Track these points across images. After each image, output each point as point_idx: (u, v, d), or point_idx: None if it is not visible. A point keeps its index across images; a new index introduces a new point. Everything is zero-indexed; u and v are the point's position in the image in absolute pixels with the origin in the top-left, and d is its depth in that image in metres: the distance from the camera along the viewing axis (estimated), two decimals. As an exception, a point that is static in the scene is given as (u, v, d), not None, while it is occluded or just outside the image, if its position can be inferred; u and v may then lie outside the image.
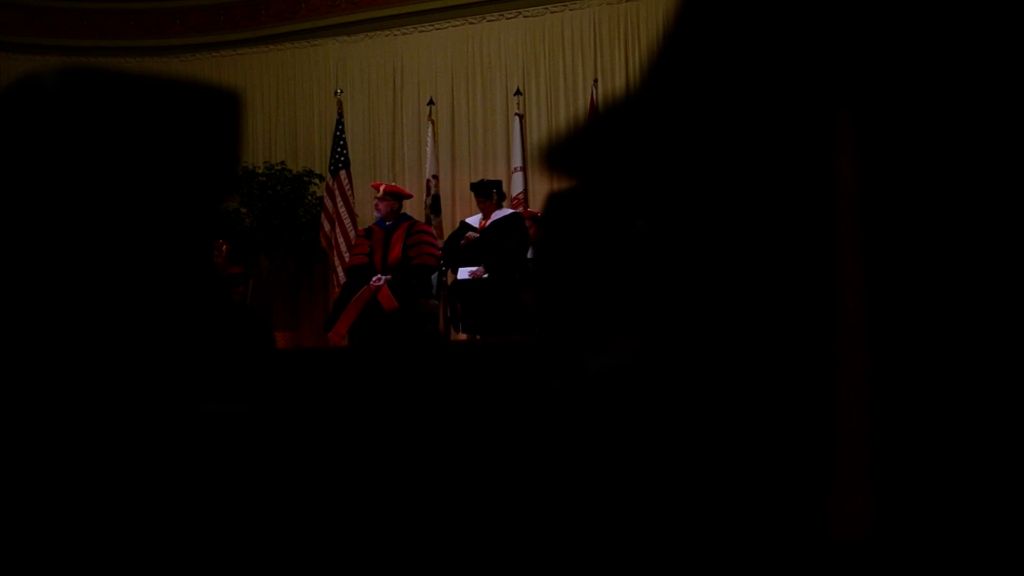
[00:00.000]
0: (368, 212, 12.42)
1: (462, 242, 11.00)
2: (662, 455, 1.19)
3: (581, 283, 1.43)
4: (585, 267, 1.42)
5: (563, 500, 1.39)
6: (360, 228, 12.27)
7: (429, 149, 13.34)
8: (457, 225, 11.84)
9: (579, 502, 1.35)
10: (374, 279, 10.69)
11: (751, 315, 1.05)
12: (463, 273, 10.91)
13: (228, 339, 3.14)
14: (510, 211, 11.51)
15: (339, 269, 12.45)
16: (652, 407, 1.22)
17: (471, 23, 14.35)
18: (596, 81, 13.14)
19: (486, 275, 10.73)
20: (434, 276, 11.10)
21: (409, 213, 11.53)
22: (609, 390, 1.32)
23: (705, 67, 1.10)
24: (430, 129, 13.48)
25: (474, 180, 11.97)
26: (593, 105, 12.67)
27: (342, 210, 12.89)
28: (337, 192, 13.00)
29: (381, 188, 11.39)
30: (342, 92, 14.03)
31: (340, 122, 13.54)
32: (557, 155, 1.35)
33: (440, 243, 11.53)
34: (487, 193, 11.34)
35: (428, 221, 12.40)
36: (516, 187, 12.65)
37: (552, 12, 13.97)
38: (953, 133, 1.00)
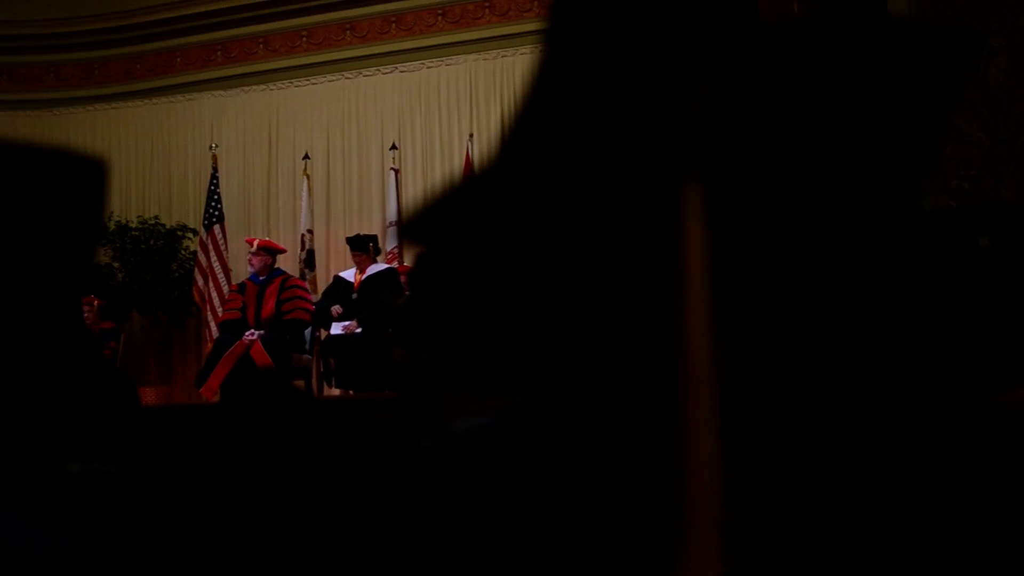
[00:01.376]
0: (243, 267, 12.36)
1: (333, 313, 10.92)
2: (523, 515, 1.21)
3: (446, 340, 1.44)
4: (450, 324, 1.43)
5: (425, 557, 1.39)
6: (234, 283, 12.20)
7: (304, 203, 13.32)
8: (331, 279, 11.79)
9: (441, 560, 1.35)
10: (247, 334, 10.63)
11: (604, 374, 1.06)
12: (336, 328, 10.87)
13: (93, 398, 3.10)
14: (385, 266, 11.51)
15: (212, 324, 12.35)
16: (514, 467, 1.23)
17: (347, 78, 14.37)
18: (472, 136, 13.21)
19: (359, 330, 10.71)
20: (307, 331, 11.06)
21: (283, 268, 11.47)
22: (474, 450, 1.33)
23: (557, 134, 1.11)
24: (305, 183, 13.47)
25: (349, 234, 11.96)
26: (469, 160, 12.74)
27: (216, 265, 12.80)
28: (211, 246, 12.90)
29: (255, 243, 11.35)
30: (217, 147, 13.98)
31: (215, 176, 13.44)
32: (425, 215, 1.36)
33: (314, 298, 11.48)
34: (363, 247, 11.33)
35: (303, 275, 12.36)
36: (391, 242, 12.66)
37: (428, 67, 14.03)
38: (799, 197, 1.02)
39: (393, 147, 13.59)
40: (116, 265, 13.53)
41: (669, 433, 0.98)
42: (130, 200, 14.54)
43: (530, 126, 1.16)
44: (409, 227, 1.32)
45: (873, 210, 1.04)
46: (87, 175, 1.20)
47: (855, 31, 1.09)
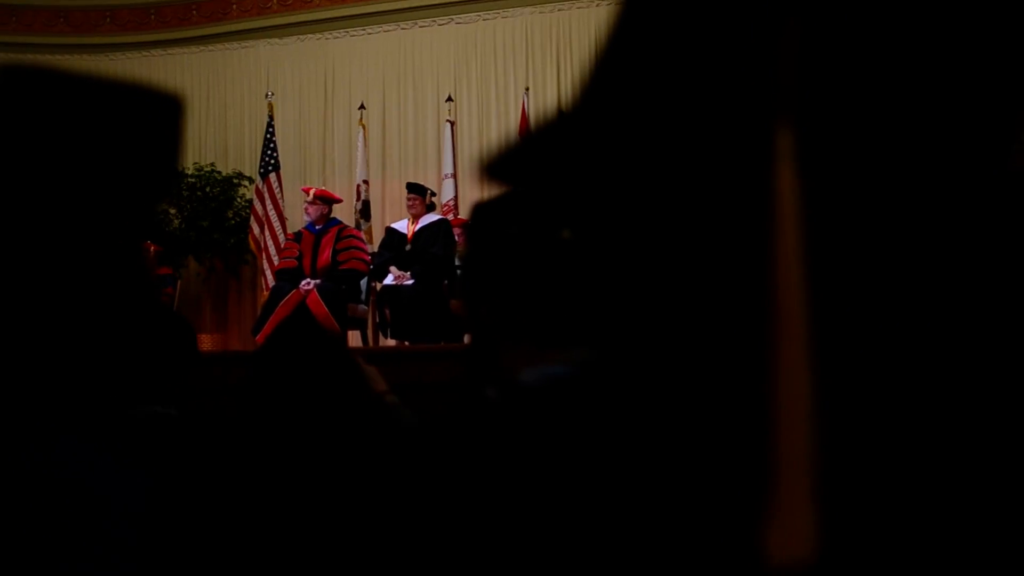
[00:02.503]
0: (298, 216, 12.39)
1: (394, 281, 10.95)
2: (600, 472, 1.20)
3: (508, 293, 1.46)
4: (511, 277, 1.46)
5: (496, 515, 1.39)
6: (289, 232, 12.23)
7: (360, 154, 13.33)
8: (384, 232, 11.81)
9: (513, 519, 1.35)
10: (303, 283, 10.65)
11: (689, 328, 1.04)
12: (389, 279, 10.91)
13: (155, 341, 3.12)
14: (438, 217, 11.51)
15: (268, 272, 12.39)
16: (591, 420, 1.23)
17: (403, 28, 14.33)
18: (528, 90, 13.17)
19: (410, 281, 10.74)
20: (363, 281, 11.09)
21: (339, 218, 11.49)
22: (547, 401, 1.31)
23: (641, 77, 1.09)
24: (361, 134, 13.47)
25: (404, 184, 11.98)
26: (525, 114, 12.69)
27: (272, 213, 12.82)
28: (267, 195, 12.92)
29: (311, 192, 11.35)
30: (273, 95, 14.00)
31: (271, 125, 13.46)
32: (489, 165, 1.34)
33: (370, 248, 11.51)
34: (420, 191, 11.37)
35: (358, 226, 12.37)
36: (446, 194, 12.66)
37: (484, 20, 13.97)
38: (894, 145, 1.01)
39: (449, 99, 13.59)
40: (172, 211, 13.56)
41: (760, 378, 0.97)
42: (186, 147, 14.49)
43: (612, 68, 1.16)
44: (490, 167, 1.31)
45: (965, 167, 1.02)
46: (164, 110, 1.21)
47: None
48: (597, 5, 13.47)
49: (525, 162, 1.28)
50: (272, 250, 12.55)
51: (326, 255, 10.85)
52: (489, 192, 1.52)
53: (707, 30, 1.04)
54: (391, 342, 11.03)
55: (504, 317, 1.46)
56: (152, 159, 1.17)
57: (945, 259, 1.00)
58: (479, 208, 1.61)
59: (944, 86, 1.01)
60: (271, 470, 2.35)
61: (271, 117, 13.58)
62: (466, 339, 1.59)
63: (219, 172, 13.95)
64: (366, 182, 13.03)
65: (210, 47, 15.32)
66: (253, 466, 2.40)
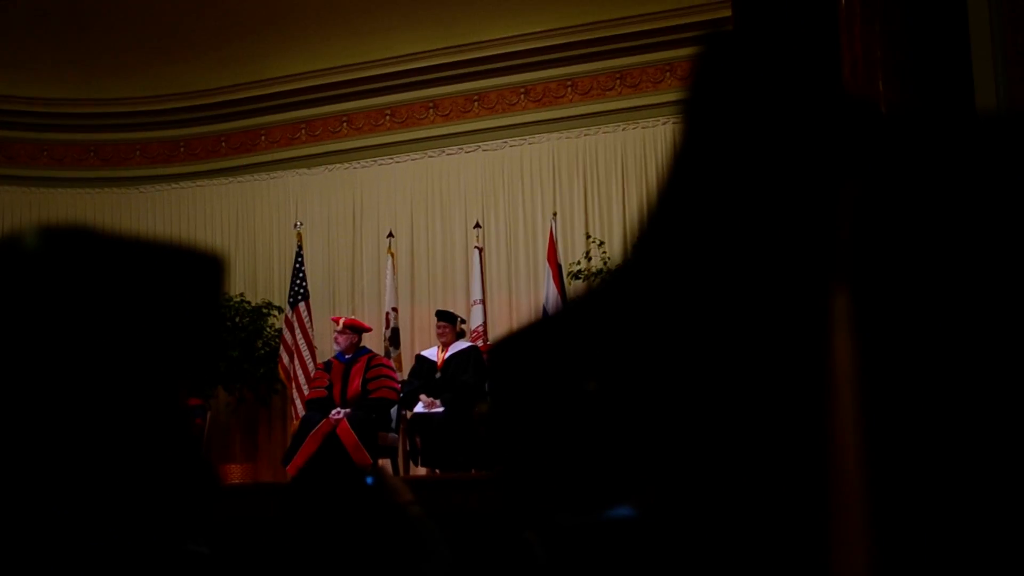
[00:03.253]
0: (327, 345, 12.42)
1: (424, 408, 10.97)
2: None
3: (537, 441, 1.42)
4: (539, 424, 1.42)
5: None
6: (319, 361, 12.26)
7: (388, 281, 13.36)
8: (414, 359, 11.83)
9: None
10: (333, 412, 10.67)
11: (748, 489, 1.05)
12: (419, 407, 10.91)
13: (185, 481, 3.10)
14: (468, 344, 11.54)
15: (298, 402, 12.39)
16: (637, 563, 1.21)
17: (430, 156, 14.48)
18: (555, 215, 13.21)
19: (441, 408, 10.74)
20: (393, 409, 11.08)
21: (368, 346, 11.52)
22: (587, 543, 1.31)
23: (701, 241, 1.11)
24: (390, 261, 13.51)
25: (433, 312, 12.05)
26: (552, 240, 12.73)
27: (301, 343, 12.86)
28: (296, 324, 12.98)
29: (341, 322, 11.42)
30: (302, 224, 14.08)
31: (299, 254, 13.56)
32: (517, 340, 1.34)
33: (400, 376, 11.52)
34: (451, 319, 11.43)
35: (388, 354, 12.39)
36: (475, 320, 12.67)
37: (511, 146, 14.12)
38: (949, 311, 1.00)
39: (477, 225, 13.63)
40: (202, 342, 13.55)
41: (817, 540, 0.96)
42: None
43: (667, 225, 1.15)
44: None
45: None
46: (205, 270, 1.22)
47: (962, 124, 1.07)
48: (623, 129, 13.61)
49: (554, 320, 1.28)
50: (302, 379, 12.56)
51: (356, 384, 10.87)
52: (512, 327, 1.52)
53: (768, 195, 1.06)
54: (422, 470, 10.98)
55: (535, 462, 1.44)
56: (194, 318, 1.18)
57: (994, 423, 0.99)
58: (497, 348, 1.60)
59: (1002, 253, 1.01)
60: None
61: (300, 246, 13.67)
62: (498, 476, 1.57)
63: (248, 302, 13.99)
64: (395, 309, 13.07)
65: (239, 178, 15.49)
66: None
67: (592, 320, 1.38)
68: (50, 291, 1.08)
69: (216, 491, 3.37)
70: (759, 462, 1.04)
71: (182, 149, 15.84)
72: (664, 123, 13.38)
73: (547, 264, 12.65)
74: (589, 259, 12.71)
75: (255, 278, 14.82)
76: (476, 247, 13.37)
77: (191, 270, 1.20)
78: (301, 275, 13.34)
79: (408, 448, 11.26)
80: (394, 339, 12.80)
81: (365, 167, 14.84)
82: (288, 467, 10.72)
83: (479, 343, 12.03)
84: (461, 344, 11.42)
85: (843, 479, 0.97)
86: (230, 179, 15.54)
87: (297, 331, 12.95)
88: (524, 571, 1.47)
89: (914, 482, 0.98)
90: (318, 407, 10.90)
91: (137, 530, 1.14)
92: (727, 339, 1.07)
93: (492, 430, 1.65)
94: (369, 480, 2.62)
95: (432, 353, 11.40)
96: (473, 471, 10.41)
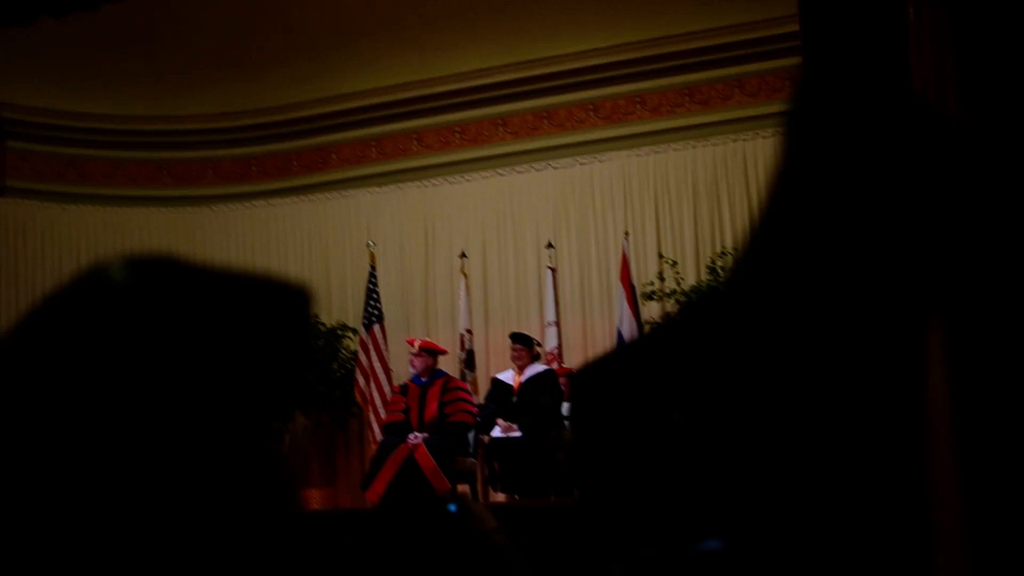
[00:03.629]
0: (402, 366, 12.46)
1: (502, 433, 10.99)
2: None
3: (620, 474, 1.43)
4: (622, 458, 1.42)
5: None
6: (395, 384, 12.30)
7: (462, 303, 13.42)
8: (490, 382, 11.85)
9: None
10: (411, 437, 10.69)
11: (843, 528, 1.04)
12: (496, 431, 10.93)
13: (271, 509, 3.13)
14: (543, 367, 11.53)
15: (375, 425, 12.42)
16: None
17: (501, 174, 14.49)
18: (627, 234, 13.21)
19: (518, 433, 10.75)
20: (471, 434, 11.10)
21: (443, 368, 11.55)
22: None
23: (792, 274, 1.10)
24: (463, 282, 13.55)
25: (507, 334, 12.10)
26: (625, 259, 12.71)
27: (376, 365, 12.89)
28: (371, 346, 13.01)
29: (416, 344, 11.44)
30: (374, 244, 14.11)
31: (373, 274, 13.59)
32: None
33: (476, 400, 11.54)
34: (526, 342, 11.44)
35: (463, 376, 12.40)
36: (550, 342, 12.67)
37: (581, 164, 14.12)
38: None
39: (549, 245, 13.63)
40: (278, 365, 13.59)
41: None
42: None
43: (761, 254, 1.16)
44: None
45: None
46: (292, 302, 1.21)
47: None
48: (693, 147, 13.57)
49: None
50: (378, 402, 12.59)
51: (433, 408, 10.90)
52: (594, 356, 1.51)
53: (863, 231, 1.05)
54: (501, 496, 11.01)
55: (619, 493, 1.45)
56: (281, 350, 1.18)
57: None
58: (581, 375, 1.61)
59: None
60: None
61: (373, 266, 13.70)
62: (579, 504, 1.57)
63: (323, 323, 14.00)
64: (469, 331, 13.09)
65: (311, 197, 15.58)
66: None
67: (678, 348, 1.37)
68: (136, 322, 1.09)
69: (300, 518, 3.42)
70: (855, 495, 1.04)
71: (254, 167, 15.95)
72: (735, 141, 13.34)
73: (620, 285, 12.63)
74: (663, 279, 12.69)
75: (329, 298, 14.83)
76: (549, 267, 13.37)
77: (279, 302, 1.20)
78: (375, 296, 13.37)
79: (487, 473, 11.28)
80: (469, 362, 12.82)
81: (436, 185, 14.87)
82: (367, 492, 10.75)
83: (554, 366, 12.03)
84: (537, 367, 11.42)
85: (942, 513, 0.97)
86: (302, 197, 15.64)
87: (372, 353, 12.98)
88: None
89: (1014, 518, 0.98)
90: (395, 431, 10.93)
91: (225, 559, 1.14)
92: (822, 370, 1.07)
93: (574, 459, 1.67)
94: (452, 508, 2.65)
95: (508, 376, 11.41)
96: (552, 497, 10.43)
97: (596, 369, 1.54)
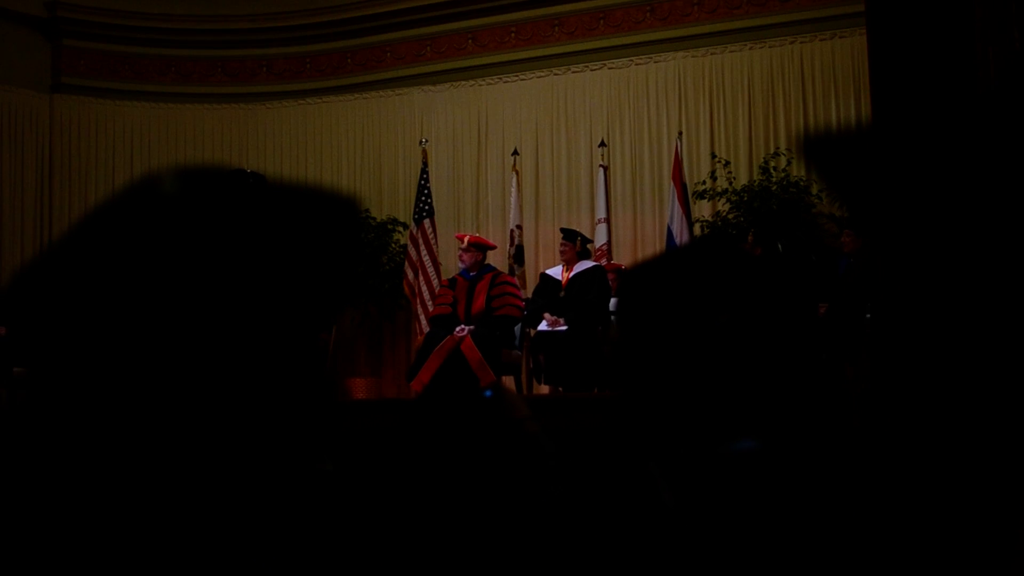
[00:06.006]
0: (451, 261, 12.49)
1: (548, 327, 10.98)
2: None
3: (663, 374, 1.43)
4: (666, 358, 1.42)
5: None
6: (443, 277, 12.33)
7: (513, 199, 13.41)
8: (538, 277, 11.84)
9: None
10: (457, 329, 10.69)
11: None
12: (543, 325, 10.93)
13: (312, 403, 3.14)
14: (592, 263, 11.50)
15: (422, 317, 12.47)
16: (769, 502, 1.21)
17: (556, 74, 14.44)
18: (681, 134, 13.16)
19: (564, 326, 10.74)
20: (517, 327, 11.09)
21: (492, 263, 11.54)
22: (710, 477, 1.32)
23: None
24: (514, 179, 13.54)
25: (557, 230, 12.05)
26: (678, 158, 12.65)
27: (426, 259, 12.92)
28: (421, 240, 13.03)
29: (465, 239, 11.42)
30: (427, 141, 14.11)
31: (425, 171, 13.59)
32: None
33: (523, 294, 11.53)
34: (572, 238, 11.39)
35: (512, 271, 12.43)
36: (600, 239, 12.64)
37: (636, 64, 14.02)
38: None
39: (602, 144, 13.60)
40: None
41: None
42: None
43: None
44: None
45: None
46: (342, 211, 1.23)
47: None
48: (750, 48, 13.44)
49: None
50: (426, 295, 12.63)
51: (480, 301, 10.89)
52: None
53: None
54: (545, 388, 11.02)
55: (661, 392, 1.43)
56: (331, 257, 1.20)
57: None
58: (629, 274, 1.59)
59: None
60: (421, 521, 2.35)
61: (425, 163, 13.71)
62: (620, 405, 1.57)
63: (374, 218, 14.09)
64: (519, 227, 13.10)
65: (365, 95, 15.58)
66: (402, 518, 2.40)
67: (724, 252, 1.39)
68: (187, 232, 1.10)
69: (338, 412, 3.45)
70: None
71: (308, 65, 15.94)
72: (792, 43, 13.20)
73: (672, 183, 12.57)
74: (715, 179, 12.61)
75: (380, 194, 14.91)
76: (601, 165, 13.37)
77: (329, 211, 1.22)
78: (426, 192, 13.37)
79: (531, 366, 11.29)
80: (518, 257, 12.84)
81: (491, 84, 14.84)
82: (412, 383, 10.79)
83: (603, 262, 12.01)
84: (585, 263, 11.38)
85: None
86: (356, 96, 15.64)
87: (422, 247, 13.00)
88: (647, 503, 1.47)
89: None
90: (442, 324, 10.94)
91: (268, 450, 1.17)
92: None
93: (618, 355, 1.65)
94: (487, 394, 2.63)
95: (556, 272, 11.39)
96: (596, 390, 10.42)
97: (647, 269, 1.56)
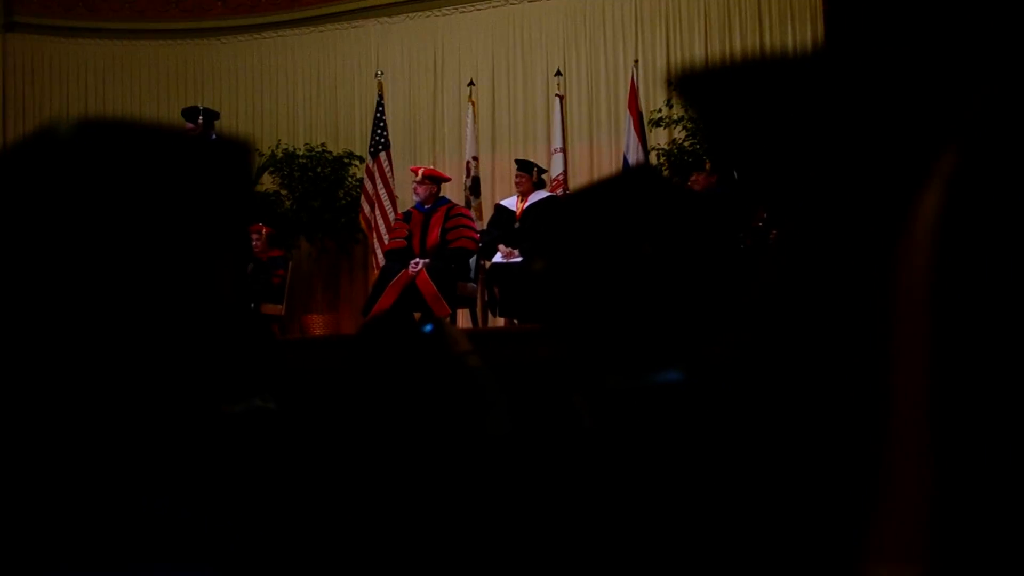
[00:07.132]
0: (408, 194, 12.44)
1: (503, 258, 10.96)
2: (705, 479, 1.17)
3: (587, 304, 1.42)
4: (590, 289, 1.42)
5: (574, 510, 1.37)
6: (399, 211, 12.29)
7: (469, 131, 13.31)
8: (494, 209, 11.81)
9: (595, 516, 1.33)
10: (412, 263, 10.67)
11: (808, 340, 1.01)
12: (498, 257, 10.92)
13: (243, 341, 3.12)
14: (547, 194, 11.48)
15: (379, 251, 12.44)
16: (698, 427, 1.21)
17: (512, 4, 14.37)
18: (637, 62, 13.12)
19: (519, 258, 10.73)
20: (472, 260, 11.08)
21: (448, 196, 11.51)
22: (634, 408, 1.31)
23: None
24: (470, 110, 13.44)
25: (513, 161, 12.02)
26: (634, 87, 12.61)
27: (382, 192, 12.90)
28: (377, 174, 13.00)
29: (420, 172, 11.38)
30: (383, 74, 14.04)
31: (380, 104, 13.52)
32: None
33: (479, 226, 11.51)
34: (528, 168, 11.36)
35: (468, 203, 12.40)
36: (556, 168, 12.62)
37: (593, -7, 13.94)
38: None
39: (558, 73, 13.54)
40: (284, 192, 13.75)
41: (876, 404, 0.90)
42: (297, 128, 14.87)
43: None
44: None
45: None
46: (233, 154, 1.24)
47: None
48: (707, -25, 13.38)
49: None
50: (383, 229, 12.61)
51: (435, 234, 10.86)
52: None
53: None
54: (500, 321, 11.02)
55: (586, 323, 1.41)
56: (224, 197, 1.21)
57: None
58: (552, 205, 1.58)
59: None
60: (364, 460, 2.34)
61: (381, 96, 13.63)
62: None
63: (330, 152, 14.08)
64: (476, 159, 13.04)
65: (320, 28, 15.45)
66: (349, 455, 2.38)
67: (653, 184, 1.38)
68: (80, 179, 1.11)
69: (275, 351, 3.41)
70: (823, 310, 1.00)
71: (263, -1, 15.82)
72: (748, -30, 13.17)
73: (628, 112, 12.54)
74: (671, 107, 12.57)
75: (336, 128, 14.90)
76: (557, 95, 13.30)
77: (222, 157, 1.22)
78: (382, 125, 13.32)
79: (487, 298, 11.29)
80: (474, 188, 12.80)
81: (446, 15, 14.75)
82: (368, 317, 10.78)
83: (559, 192, 11.99)
84: (540, 194, 11.35)
85: (907, 329, 0.90)
86: (311, 29, 15.50)
87: (378, 181, 12.97)
88: (569, 434, 1.47)
89: (981, 332, 0.93)
90: (397, 257, 10.91)
91: (196, 391, 1.17)
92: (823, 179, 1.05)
93: (545, 289, 1.63)
94: (427, 329, 2.61)
95: (511, 203, 11.37)
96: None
97: (573, 201, 1.59)
